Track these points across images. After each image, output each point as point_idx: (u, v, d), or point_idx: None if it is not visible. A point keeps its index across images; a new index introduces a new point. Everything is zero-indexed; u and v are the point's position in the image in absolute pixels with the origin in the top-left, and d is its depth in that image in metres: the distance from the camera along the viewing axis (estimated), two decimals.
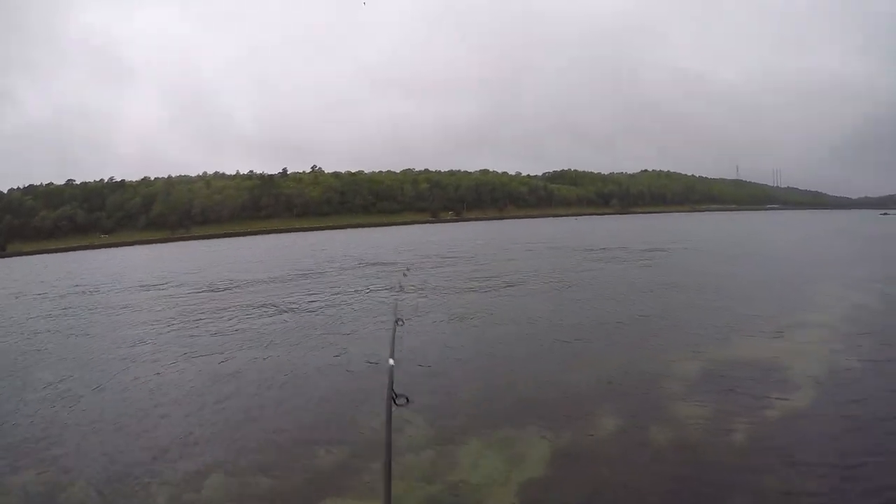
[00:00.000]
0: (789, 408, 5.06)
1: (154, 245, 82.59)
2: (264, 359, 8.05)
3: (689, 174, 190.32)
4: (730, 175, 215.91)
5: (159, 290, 18.22)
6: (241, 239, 78.55)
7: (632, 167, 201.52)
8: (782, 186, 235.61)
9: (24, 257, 75.32)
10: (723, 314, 9.44)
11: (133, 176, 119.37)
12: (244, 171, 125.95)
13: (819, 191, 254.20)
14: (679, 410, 5.16)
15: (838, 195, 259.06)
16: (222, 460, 4.66)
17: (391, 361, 2.49)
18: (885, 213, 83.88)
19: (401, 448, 4.43)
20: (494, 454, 4.43)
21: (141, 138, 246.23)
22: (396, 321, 3.44)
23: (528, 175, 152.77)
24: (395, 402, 2.08)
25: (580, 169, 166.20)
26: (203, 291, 16.88)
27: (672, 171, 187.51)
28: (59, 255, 73.20)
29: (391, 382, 2.21)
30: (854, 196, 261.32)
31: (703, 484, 3.85)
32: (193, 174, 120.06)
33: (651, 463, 4.19)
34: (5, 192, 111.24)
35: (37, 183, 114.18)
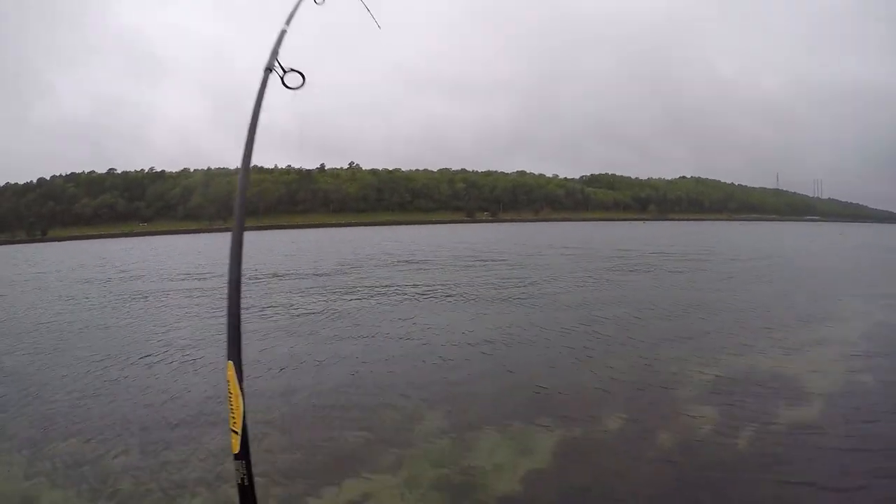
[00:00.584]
0: (796, 421, 5.00)
1: (192, 235, 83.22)
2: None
3: (728, 182, 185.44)
4: (769, 184, 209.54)
5: (201, 280, 18.51)
6: (278, 232, 78.42)
7: (669, 173, 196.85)
8: (823, 197, 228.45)
9: (64, 242, 76.36)
10: (745, 324, 9.44)
11: (171, 167, 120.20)
12: (282, 165, 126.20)
13: (861, 203, 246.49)
14: (686, 414, 5.19)
15: (880, 208, 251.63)
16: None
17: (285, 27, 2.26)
18: None
19: (417, 436, 4.72)
20: (505, 444, 4.56)
21: (176, 132, 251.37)
22: None
23: (565, 178, 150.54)
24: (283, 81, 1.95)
25: (618, 173, 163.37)
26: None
27: (710, 178, 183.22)
28: (98, 241, 75.08)
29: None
30: None
31: (701, 485, 3.86)
32: (232, 167, 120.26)
33: (653, 461, 4.24)
34: (48, 178, 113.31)
35: (78, 171, 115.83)
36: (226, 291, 1.88)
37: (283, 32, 2.13)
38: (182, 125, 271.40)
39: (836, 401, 5.54)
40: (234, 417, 1.72)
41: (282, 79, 1.90)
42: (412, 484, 3.92)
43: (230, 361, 1.73)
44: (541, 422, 5.01)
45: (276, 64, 1.87)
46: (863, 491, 3.81)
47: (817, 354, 7.41)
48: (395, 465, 4.23)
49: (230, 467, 1.81)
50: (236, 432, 1.71)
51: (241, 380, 1.73)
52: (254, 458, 1.81)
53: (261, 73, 1.84)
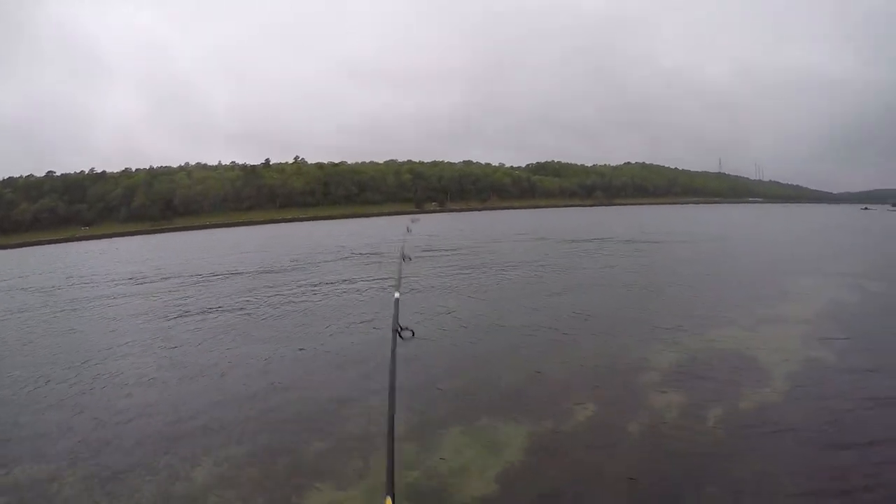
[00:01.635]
0: (762, 398, 5.23)
1: (136, 237, 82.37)
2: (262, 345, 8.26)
3: (672, 167, 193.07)
4: (712, 168, 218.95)
5: (149, 283, 17.81)
6: (225, 230, 78.58)
7: (615, 159, 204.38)
8: (764, 180, 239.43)
9: (4, 251, 74.46)
10: (702, 305, 9.73)
11: (112, 168, 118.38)
12: (226, 162, 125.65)
13: (800, 185, 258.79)
14: (655, 400, 5.29)
15: (819, 189, 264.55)
16: (218, 446, 4.77)
17: (397, 295, 2.70)
18: (865, 208, 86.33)
19: (380, 440, 4.35)
20: (474, 442, 4.54)
21: (119, 132, 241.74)
22: (402, 258, 4.06)
23: (512, 166, 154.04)
24: (400, 335, 2.22)
25: (564, 161, 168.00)
26: (194, 283, 16.64)
27: (655, 163, 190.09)
28: (40, 247, 72.52)
29: (396, 315, 2.39)
30: (835, 191, 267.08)
31: (676, 471, 3.97)
32: (175, 166, 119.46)
33: (627, 451, 4.32)
34: None
35: (15, 175, 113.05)
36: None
37: (397, 301, 2.56)
38: (120, 124, 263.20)
39: (796, 378, 5.76)
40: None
41: (399, 334, 2.18)
42: (375, 493, 3.78)
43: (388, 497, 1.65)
44: (508, 417, 4.98)
45: (398, 326, 2.19)
46: (831, 457, 4.06)
47: (777, 332, 7.70)
48: (359, 472, 4.13)
49: None
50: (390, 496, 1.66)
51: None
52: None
53: (389, 335, 2.12)
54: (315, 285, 14.30)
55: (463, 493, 3.83)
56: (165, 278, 18.58)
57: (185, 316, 11.14)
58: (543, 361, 6.79)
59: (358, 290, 13.10)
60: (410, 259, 4.04)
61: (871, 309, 9.59)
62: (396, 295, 2.69)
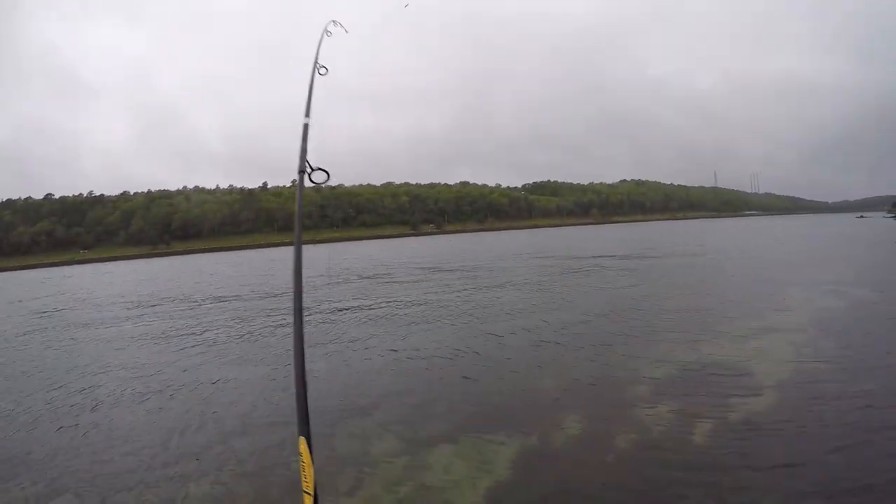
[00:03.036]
0: (751, 410, 5.21)
1: (135, 260, 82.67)
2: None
3: (668, 182, 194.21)
4: (708, 182, 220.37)
5: (155, 307, 17.88)
6: (223, 254, 78.91)
7: (610, 175, 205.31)
8: (760, 192, 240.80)
9: (5, 273, 74.31)
10: (692, 319, 9.73)
11: (108, 192, 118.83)
12: (224, 186, 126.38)
13: (796, 195, 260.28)
14: (643, 413, 5.29)
15: (815, 199, 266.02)
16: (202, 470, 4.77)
17: (306, 121, 2.39)
18: (860, 217, 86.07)
19: (373, 453, 4.73)
20: (463, 458, 4.55)
21: (108, 156, 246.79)
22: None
23: (508, 187, 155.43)
24: (310, 178, 2.10)
25: (559, 179, 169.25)
26: (194, 307, 16.94)
27: (650, 179, 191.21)
28: (39, 270, 72.73)
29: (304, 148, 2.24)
30: (831, 200, 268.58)
31: (665, 484, 3.98)
32: (172, 189, 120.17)
33: (615, 464, 4.33)
34: None
35: (13, 198, 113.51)
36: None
37: (306, 127, 2.17)
38: (111, 148, 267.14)
39: (787, 389, 5.74)
40: (305, 479, 1.76)
41: (309, 176, 2.00)
42: None
43: (301, 437, 1.77)
44: (497, 433, 4.97)
45: (307, 165, 1.96)
46: (818, 469, 4.04)
47: (768, 343, 7.67)
48: (351, 488, 4.14)
49: None
50: (308, 493, 1.74)
51: (311, 450, 1.77)
52: None
53: (296, 176, 1.95)
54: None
55: None
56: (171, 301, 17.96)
57: (169, 340, 11.35)
58: (532, 375, 6.87)
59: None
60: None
61: (860, 317, 9.55)
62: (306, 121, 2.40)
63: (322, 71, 2.65)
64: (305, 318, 8.26)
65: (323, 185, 2.12)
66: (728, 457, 4.30)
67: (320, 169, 2.09)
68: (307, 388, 1.87)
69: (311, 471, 1.78)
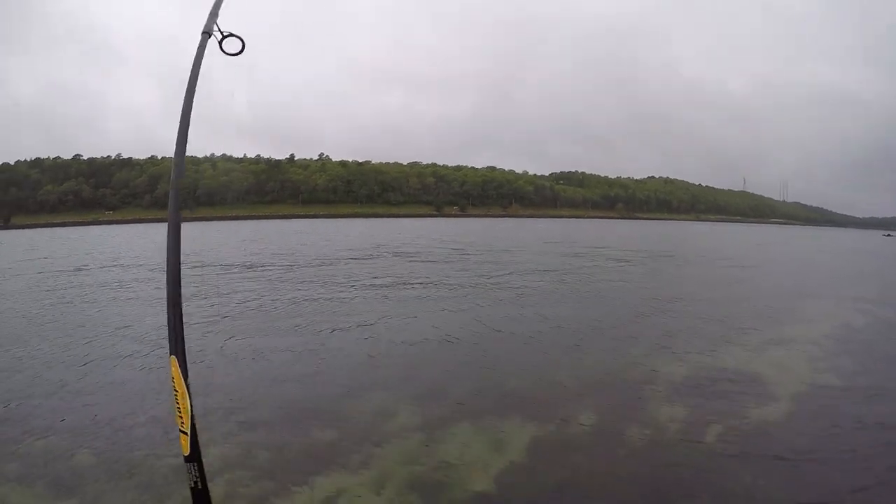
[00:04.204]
0: (764, 417, 5.21)
1: (159, 224, 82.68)
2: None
3: (696, 183, 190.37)
4: (736, 186, 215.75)
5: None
6: (246, 222, 78.62)
7: (635, 172, 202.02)
8: (789, 201, 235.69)
9: (29, 230, 74.89)
10: (715, 323, 9.72)
11: (139, 155, 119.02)
12: (251, 155, 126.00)
13: (825, 207, 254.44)
14: (658, 412, 5.30)
15: (844, 213, 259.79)
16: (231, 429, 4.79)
17: None
18: (888, 234, 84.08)
19: (387, 433, 4.70)
20: (478, 441, 4.58)
21: (132, 121, 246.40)
22: None
23: (535, 174, 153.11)
24: (221, 46, 1.80)
25: (587, 171, 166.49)
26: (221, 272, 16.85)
27: (678, 178, 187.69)
28: (65, 228, 73.28)
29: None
30: (859, 215, 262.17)
31: (673, 483, 3.99)
32: (201, 156, 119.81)
33: (625, 458, 4.35)
34: (12, 163, 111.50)
35: (42, 157, 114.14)
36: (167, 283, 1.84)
37: None
38: (137, 114, 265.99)
39: (800, 399, 5.72)
40: (181, 417, 1.62)
41: (220, 43, 1.77)
42: (383, 482, 3.85)
43: (172, 356, 1.63)
44: (513, 418, 5.01)
45: (215, 27, 1.70)
46: (827, 481, 4.02)
47: (785, 353, 7.68)
48: (364, 463, 4.17)
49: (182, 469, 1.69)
50: (185, 433, 1.61)
51: (185, 375, 1.63)
52: (208, 459, 1.77)
53: (197, 37, 1.68)
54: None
55: (464, 489, 3.84)
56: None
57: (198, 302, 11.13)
58: (552, 365, 6.90)
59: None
60: None
61: (879, 334, 9.70)
62: None
63: None
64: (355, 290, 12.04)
65: (236, 55, 1.72)
66: (738, 463, 4.24)
67: (234, 35, 1.72)
68: (182, 303, 1.77)
69: (188, 401, 1.62)
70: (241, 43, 1.79)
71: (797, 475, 4.08)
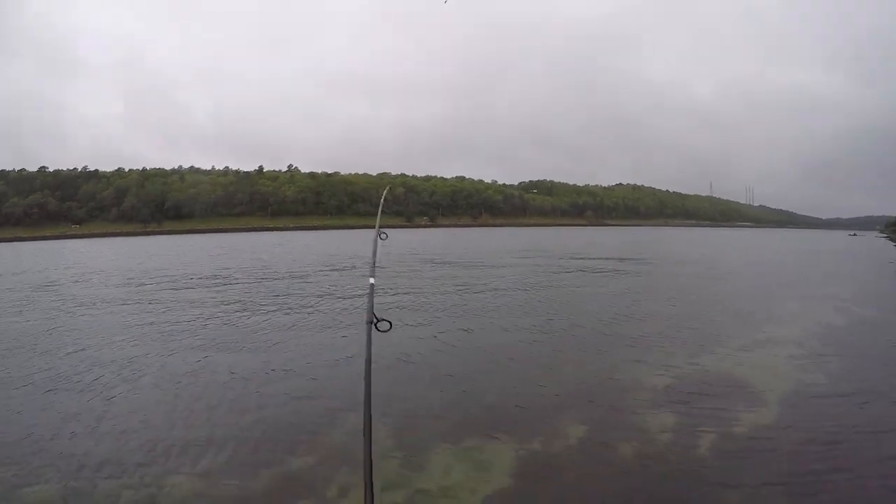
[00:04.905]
0: (752, 423, 5.18)
1: (126, 238, 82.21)
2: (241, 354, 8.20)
3: (664, 189, 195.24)
4: (703, 191, 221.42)
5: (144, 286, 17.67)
6: (215, 236, 78.68)
7: (605, 179, 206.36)
8: (755, 204, 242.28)
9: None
10: (694, 328, 9.69)
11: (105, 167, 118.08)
12: (219, 167, 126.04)
13: (790, 210, 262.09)
14: (645, 423, 5.23)
15: (809, 215, 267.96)
16: (199, 456, 4.64)
17: (372, 280, 2.28)
18: (853, 234, 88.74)
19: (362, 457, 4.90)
20: (462, 462, 4.42)
21: (101, 132, 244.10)
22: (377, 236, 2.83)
23: (504, 184, 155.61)
24: (376, 326, 2.02)
25: (556, 179, 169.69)
26: (184, 288, 16.75)
27: (646, 185, 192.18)
28: (30, 243, 71.47)
29: (371, 303, 2.06)
30: (824, 217, 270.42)
31: (665, 496, 3.96)
32: (168, 168, 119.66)
33: (615, 474, 4.27)
34: None
35: (7, 169, 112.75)
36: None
37: (372, 286, 2.19)
38: (101, 125, 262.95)
39: (786, 401, 5.74)
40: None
41: (375, 325, 1.99)
42: None
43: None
44: (496, 437, 4.88)
45: (374, 317, 1.97)
46: (817, 483, 4.03)
47: (767, 355, 7.73)
48: (341, 491, 4.00)
49: None
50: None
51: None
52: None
53: (364, 327, 1.93)
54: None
55: None
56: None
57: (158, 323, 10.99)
58: (533, 379, 6.75)
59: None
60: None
61: (857, 331, 9.82)
62: (372, 280, 2.26)
63: (383, 236, 2.77)
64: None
65: (385, 332, 2.07)
66: (729, 471, 4.27)
67: (385, 320, 2.03)
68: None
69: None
70: (389, 324, 2.02)
71: (788, 482, 4.09)
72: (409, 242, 44.65)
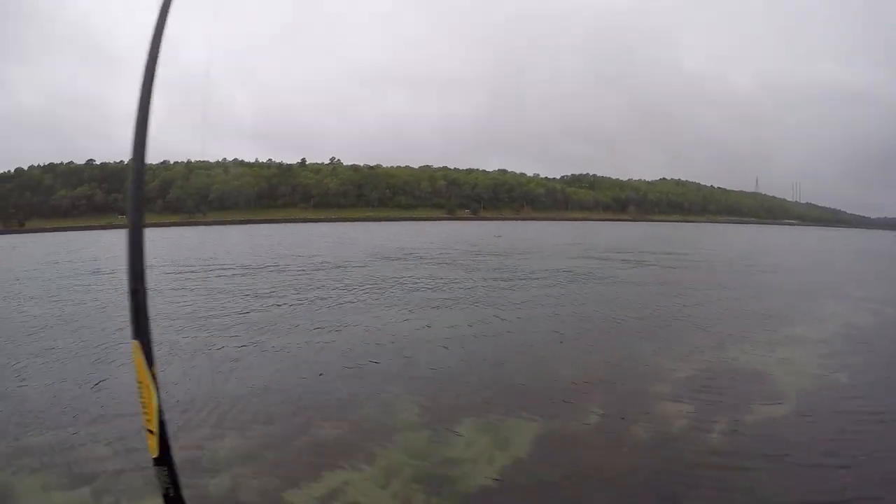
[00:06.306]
0: (770, 415, 5.19)
1: (170, 228, 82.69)
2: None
3: (708, 185, 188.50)
4: (749, 187, 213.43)
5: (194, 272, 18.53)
6: (259, 226, 78.49)
7: (647, 174, 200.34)
8: (801, 202, 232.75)
9: (44, 234, 75.23)
10: (722, 322, 9.80)
11: (152, 161, 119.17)
12: (262, 159, 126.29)
13: (838, 208, 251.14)
14: (663, 409, 5.33)
15: (857, 213, 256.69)
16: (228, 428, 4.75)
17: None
18: None
19: (395, 426, 4.73)
20: (483, 437, 4.60)
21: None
22: None
23: (546, 177, 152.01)
24: None
25: (598, 174, 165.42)
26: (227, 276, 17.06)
27: (690, 180, 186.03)
28: (78, 233, 73.36)
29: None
30: (873, 216, 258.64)
31: (677, 478, 3.98)
32: (213, 161, 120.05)
33: (630, 455, 4.36)
34: (26, 168, 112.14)
35: (56, 161, 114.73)
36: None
37: None
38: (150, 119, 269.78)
39: (807, 398, 5.68)
40: (146, 413, 1.38)
41: None
42: (388, 477, 3.87)
43: (135, 341, 1.39)
44: (519, 414, 5.05)
45: None
46: (833, 479, 3.97)
47: (793, 352, 7.62)
48: (369, 458, 4.16)
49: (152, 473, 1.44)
50: (152, 432, 1.39)
51: (151, 364, 1.39)
52: (184, 460, 1.63)
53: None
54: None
55: (469, 483, 3.85)
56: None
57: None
58: (559, 361, 6.99)
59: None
60: None
61: (888, 334, 9.59)
62: None
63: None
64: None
65: None
66: (742, 461, 4.21)
67: None
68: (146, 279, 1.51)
69: (155, 395, 1.39)
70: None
71: (800, 475, 4.06)
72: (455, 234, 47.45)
